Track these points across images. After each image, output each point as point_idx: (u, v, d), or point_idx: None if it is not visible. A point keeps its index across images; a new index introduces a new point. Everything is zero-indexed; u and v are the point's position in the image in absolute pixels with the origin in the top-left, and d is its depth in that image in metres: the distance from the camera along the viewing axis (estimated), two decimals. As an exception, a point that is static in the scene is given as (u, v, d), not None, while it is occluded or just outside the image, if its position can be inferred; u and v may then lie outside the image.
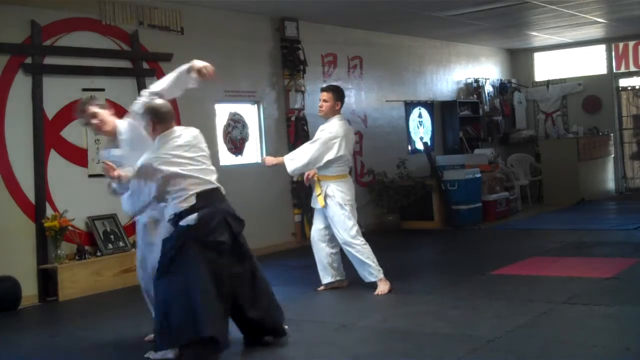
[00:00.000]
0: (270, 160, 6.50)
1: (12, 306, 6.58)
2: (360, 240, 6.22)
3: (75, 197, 7.31)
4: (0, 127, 6.85)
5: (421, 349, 4.49)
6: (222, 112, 9.01)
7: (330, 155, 6.18)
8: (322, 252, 6.39)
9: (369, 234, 10.53)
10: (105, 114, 5.06)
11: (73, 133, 7.40)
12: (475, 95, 13.48)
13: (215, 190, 4.75)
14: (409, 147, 11.95)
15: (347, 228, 6.19)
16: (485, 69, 14.01)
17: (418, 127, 12.19)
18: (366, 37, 11.10)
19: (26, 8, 7.04)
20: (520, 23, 11.48)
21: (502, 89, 14.24)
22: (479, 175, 10.73)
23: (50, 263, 6.99)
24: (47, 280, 6.96)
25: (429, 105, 12.45)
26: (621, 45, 13.61)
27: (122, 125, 5.05)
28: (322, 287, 6.44)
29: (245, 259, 4.74)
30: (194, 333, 4.35)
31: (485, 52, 14.09)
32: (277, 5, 8.96)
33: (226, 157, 9.01)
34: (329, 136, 6.20)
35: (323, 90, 6.47)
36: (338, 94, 6.36)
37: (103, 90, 7.64)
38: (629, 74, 13.72)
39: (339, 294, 6.32)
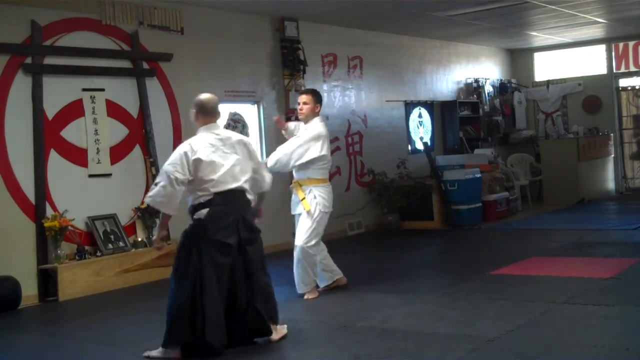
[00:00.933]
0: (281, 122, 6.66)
1: (12, 306, 6.58)
2: (313, 251, 6.17)
3: (75, 197, 7.31)
4: (0, 127, 6.85)
5: (421, 349, 4.49)
6: (222, 112, 8.98)
7: (314, 153, 6.13)
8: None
9: (369, 234, 10.57)
10: None
11: (73, 133, 7.41)
12: (475, 95, 13.48)
13: (238, 192, 4.78)
14: (409, 147, 11.95)
15: (308, 235, 6.14)
16: (485, 69, 14.01)
17: (418, 127, 12.19)
18: (366, 37, 11.10)
19: (26, 8, 7.04)
20: (520, 23, 11.48)
21: (502, 89, 14.24)
22: (479, 175, 10.74)
23: (50, 263, 6.99)
24: (47, 280, 6.97)
25: (429, 105, 12.45)
26: (621, 45, 13.61)
27: None
28: (319, 289, 6.40)
29: (247, 264, 4.76)
30: (196, 336, 4.46)
31: (485, 52, 14.09)
32: (277, 5, 8.96)
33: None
34: (314, 134, 6.18)
35: (302, 93, 6.48)
36: (317, 96, 6.37)
37: (103, 90, 7.65)
38: (629, 74, 13.72)
39: (339, 294, 6.32)
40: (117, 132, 7.80)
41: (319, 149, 6.15)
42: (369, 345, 4.63)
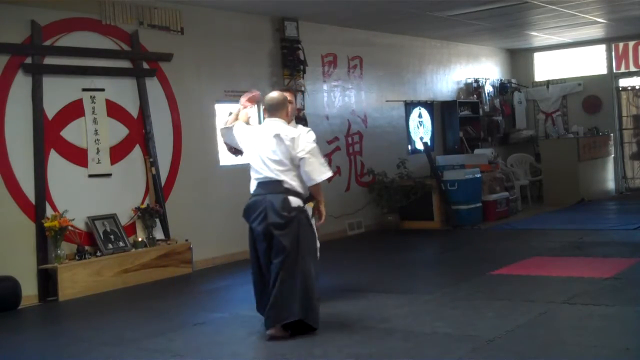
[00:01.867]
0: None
1: (12, 306, 6.58)
2: None
3: (75, 197, 7.31)
4: (0, 127, 6.85)
5: (421, 349, 4.49)
6: (222, 112, 9.00)
7: None
8: None
9: (369, 234, 10.57)
10: None
11: (73, 133, 7.41)
12: (475, 95, 13.48)
13: (273, 182, 4.97)
14: (409, 147, 11.95)
15: None
16: (485, 69, 14.01)
17: (418, 127, 12.19)
18: (366, 37, 11.10)
19: (26, 8, 7.04)
20: (520, 23, 11.48)
21: (502, 89, 14.24)
22: (479, 175, 10.74)
23: (50, 263, 6.99)
24: (47, 280, 6.96)
25: (429, 105, 12.45)
26: (621, 45, 13.61)
27: None
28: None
29: (278, 254, 4.89)
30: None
31: (485, 52, 14.09)
32: (277, 5, 8.96)
33: (226, 157, 8.99)
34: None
35: (287, 90, 6.03)
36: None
37: (103, 90, 7.65)
38: (629, 74, 13.73)
39: (339, 294, 6.32)
40: (117, 132, 7.80)
41: None
42: (369, 345, 4.63)
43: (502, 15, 10.43)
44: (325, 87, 10.42)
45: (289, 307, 4.85)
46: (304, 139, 5.01)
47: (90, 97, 7.55)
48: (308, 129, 5.19)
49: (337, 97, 10.62)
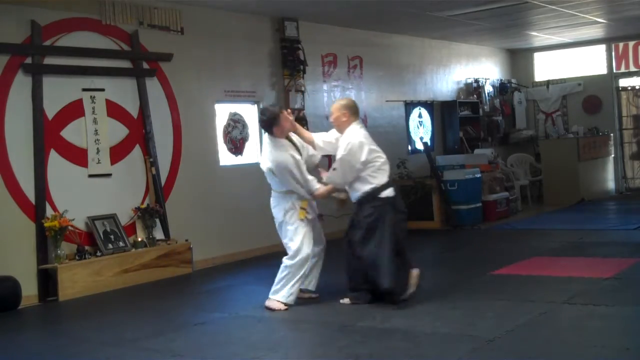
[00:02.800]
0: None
1: (12, 306, 6.58)
2: None
3: (75, 197, 7.31)
4: (0, 127, 6.85)
5: (421, 349, 4.49)
6: (222, 112, 9.01)
7: None
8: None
9: (369, 234, 10.56)
10: None
11: (73, 133, 7.41)
12: (475, 95, 13.49)
13: None
14: (409, 147, 11.95)
15: None
16: (485, 69, 14.01)
17: (418, 127, 12.19)
18: (366, 37, 11.10)
19: (26, 8, 7.04)
20: (520, 23, 11.48)
21: (502, 89, 14.24)
22: (479, 175, 10.73)
23: (50, 263, 6.99)
24: (47, 280, 6.96)
25: (429, 105, 12.45)
26: (621, 45, 13.61)
27: None
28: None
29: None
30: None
31: (485, 52, 14.09)
32: (277, 5, 8.96)
33: (226, 157, 9.01)
34: None
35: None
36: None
37: (103, 90, 7.65)
38: (629, 74, 13.73)
39: (339, 295, 6.31)
40: (117, 132, 7.80)
41: None
42: (369, 345, 4.63)
43: (502, 15, 10.43)
44: (325, 87, 10.43)
45: None
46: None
47: (90, 97, 7.55)
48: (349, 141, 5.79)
49: (337, 97, 10.61)
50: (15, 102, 6.95)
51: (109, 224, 7.53)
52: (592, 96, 13.91)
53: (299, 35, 9.76)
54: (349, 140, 5.78)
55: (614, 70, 13.77)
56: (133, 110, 7.97)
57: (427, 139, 12.22)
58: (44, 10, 7.17)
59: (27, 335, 5.82)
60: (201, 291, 7.13)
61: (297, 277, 5.84)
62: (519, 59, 14.80)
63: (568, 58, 14.26)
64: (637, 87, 13.72)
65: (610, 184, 13.59)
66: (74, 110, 7.43)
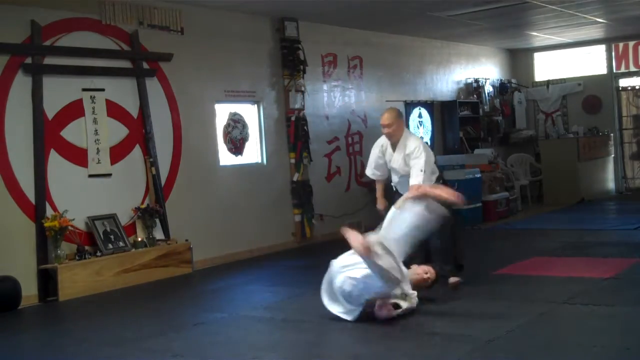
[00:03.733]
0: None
1: (12, 306, 6.58)
2: None
3: (75, 197, 7.31)
4: (0, 127, 6.85)
5: (421, 349, 4.49)
6: (222, 112, 9.01)
7: None
8: None
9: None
10: None
11: (73, 133, 7.40)
12: (475, 95, 13.48)
13: None
14: (409, 147, 11.93)
15: None
16: (485, 69, 14.01)
17: (418, 127, 12.19)
18: (366, 37, 11.10)
19: (26, 8, 7.04)
20: (520, 23, 11.48)
21: (502, 89, 14.24)
22: (479, 175, 10.73)
23: (50, 263, 6.99)
24: (47, 280, 6.96)
25: (429, 105, 12.45)
26: (621, 45, 13.61)
27: None
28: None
29: None
30: None
31: (485, 52, 14.08)
32: (277, 5, 8.95)
33: (226, 157, 9.01)
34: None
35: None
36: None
37: (103, 90, 7.65)
38: (629, 74, 13.72)
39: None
40: (117, 132, 7.80)
41: None
42: (369, 345, 4.63)
43: (502, 15, 10.43)
44: (325, 87, 10.42)
45: None
46: None
47: (90, 97, 7.55)
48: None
49: (337, 97, 10.63)
50: (15, 102, 6.95)
51: (109, 224, 7.53)
52: (592, 96, 13.91)
53: (299, 35, 9.76)
54: (415, 144, 6.11)
55: (614, 70, 13.76)
56: (133, 110, 7.97)
57: (427, 139, 12.21)
58: (44, 10, 7.17)
59: (27, 335, 5.82)
60: (201, 291, 7.13)
61: None
62: (519, 59, 14.80)
63: (568, 58, 14.26)
64: (637, 87, 13.72)
65: (610, 184, 13.58)
66: (74, 110, 7.43)
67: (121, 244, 7.51)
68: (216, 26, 8.86)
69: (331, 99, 10.50)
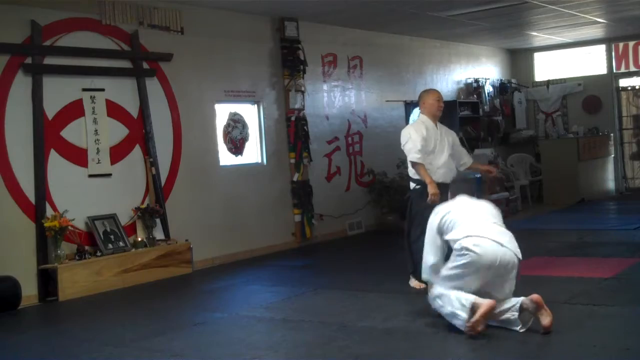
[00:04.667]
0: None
1: (12, 306, 6.58)
2: None
3: (75, 197, 7.31)
4: (0, 127, 6.85)
5: (421, 349, 4.49)
6: (222, 112, 9.01)
7: None
8: None
9: (370, 233, 10.57)
10: None
11: (73, 133, 7.41)
12: (475, 95, 13.48)
13: None
14: (409, 147, 11.92)
15: None
16: (485, 69, 14.01)
17: (418, 127, 12.17)
18: (366, 37, 11.10)
19: (26, 8, 7.04)
20: (520, 23, 11.48)
21: (502, 89, 14.24)
22: (479, 175, 10.72)
23: (50, 263, 6.99)
24: (47, 280, 6.96)
25: (429, 105, 12.42)
26: (621, 45, 13.61)
27: None
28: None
29: None
30: None
31: (485, 52, 14.09)
32: (277, 5, 8.95)
33: (226, 157, 9.01)
34: None
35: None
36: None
37: (103, 90, 7.65)
38: (629, 74, 13.72)
39: (339, 294, 6.32)
40: (117, 132, 7.80)
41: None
42: (369, 345, 4.63)
43: (502, 15, 10.43)
44: (325, 87, 10.42)
45: None
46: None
47: (90, 97, 7.55)
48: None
49: (337, 97, 10.63)
50: (15, 102, 6.95)
51: (109, 224, 7.53)
52: (592, 96, 13.91)
53: (299, 35, 9.76)
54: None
55: (614, 70, 13.76)
56: (133, 110, 7.97)
57: (427, 139, 12.19)
58: (44, 10, 7.17)
59: (27, 335, 5.82)
60: (201, 291, 7.13)
61: None
62: (519, 59, 14.80)
63: (568, 58, 14.26)
64: (637, 87, 13.72)
65: (610, 184, 13.58)
66: (74, 110, 7.43)
67: (121, 244, 7.51)
68: (216, 26, 8.86)
69: (331, 99, 10.51)
